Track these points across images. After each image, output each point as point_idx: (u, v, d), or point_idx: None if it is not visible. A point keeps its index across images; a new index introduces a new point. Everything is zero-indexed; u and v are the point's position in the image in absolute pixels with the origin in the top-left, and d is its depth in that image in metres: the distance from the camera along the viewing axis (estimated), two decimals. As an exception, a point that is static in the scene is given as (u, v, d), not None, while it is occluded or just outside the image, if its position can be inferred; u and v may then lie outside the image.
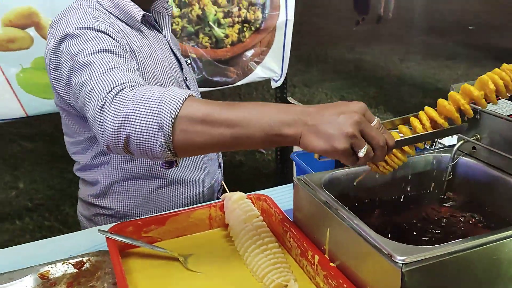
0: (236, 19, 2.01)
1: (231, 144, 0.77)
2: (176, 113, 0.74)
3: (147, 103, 0.75)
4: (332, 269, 0.83)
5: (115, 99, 0.79)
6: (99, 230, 0.98)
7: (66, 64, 1.00)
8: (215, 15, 1.97)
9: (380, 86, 5.44)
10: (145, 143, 0.75)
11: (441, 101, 0.83)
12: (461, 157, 1.04)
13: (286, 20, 2.08)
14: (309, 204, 0.94)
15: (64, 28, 1.03)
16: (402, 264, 0.69)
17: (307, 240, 0.92)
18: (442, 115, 0.81)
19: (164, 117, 0.74)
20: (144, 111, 0.75)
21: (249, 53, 2.09)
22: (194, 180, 1.31)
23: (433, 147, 1.21)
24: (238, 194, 1.06)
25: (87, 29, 1.01)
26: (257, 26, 2.06)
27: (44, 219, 2.98)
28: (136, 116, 0.75)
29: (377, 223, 0.92)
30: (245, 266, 0.95)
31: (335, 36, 8.10)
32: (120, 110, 0.77)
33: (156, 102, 0.75)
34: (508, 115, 0.95)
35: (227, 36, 2.03)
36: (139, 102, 0.76)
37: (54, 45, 1.05)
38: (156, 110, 0.74)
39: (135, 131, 0.75)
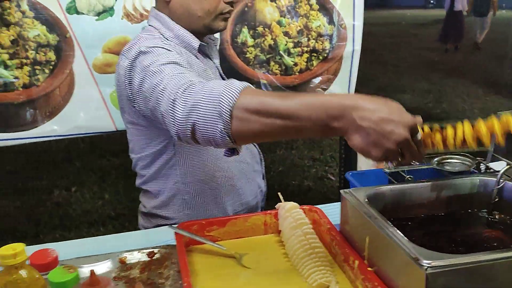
0: (305, 49, 2.16)
1: (285, 133, 0.86)
2: (234, 103, 0.84)
3: (210, 94, 0.87)
4: (370, 273, 0.92)
5: (184, 93, 0.91)
6: (169, 225, 1.14)
7: (139, 75, 1.14)
8: (286, 45, 2.13)
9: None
10: (207, 130, 0.87)
11: (480, 122, 0.89)
12: (507, 181, 1.08)
13: (353, 50, 2.20)
14: (353, 215, 1.03)
15: (137, 49, 1.18)
16: (427, 267, 0.76)
17: (350, 247, 1.01)
18: (475, 135, 0.87)
19: (223, 106, 0.84)
20: (207, 101, 0.86)
21: (316, 80, 2.22)
22: (243, 189, 1.44)
23: (480, 171, 1.25)
24: (291, 204, 1.18)
25: (157, 47, 1.18)
26: (325, 55, 2.19)
27: (123, 228, 3.25)
28: (201, 106, 0.87)
29: (415, 235, 0.98)
30: (292, 267, 1.06)
31: (404, 66, 8.04)
32: (188, 101, 0.89)
33: (217, 93, 0.86)
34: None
35: (296, 64, 2.18)
36: (204, 93, 0.88)
37: (129, 64, 1.19)
38: (217, 100, 0.85)
39: (199, 119, 0.87)
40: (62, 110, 1.96)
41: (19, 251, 0.66)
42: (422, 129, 0.83)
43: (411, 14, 22.30)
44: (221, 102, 0.85)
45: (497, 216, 1.10)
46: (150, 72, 1.08)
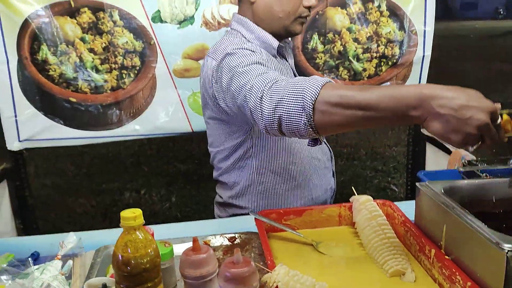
0: (374, 55, 2.20)
1: (364, 124, 0.93)
2: (316, 97, 0.91)
3: (294, 90, 0.95)
4: (447, 261, 0.94)
5: (270, 90, 1.00)
6: (250, 212, 1.22)
7: (226, 75, 1.23)
8: (355, 51, 2.18)
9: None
10: (292, 123, 0.94)
11: None
12: None
13: (423, 55, 2.20)
14: (429, 206, 1.06)
15: (224, 50, 1.28)
16: (508, 250, 0.79)
17: (425, 237, 1.04)
18: None
19: (306, 100, 0.92)
20: (292, 97, 0.94)
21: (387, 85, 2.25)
22: (314, 184, 1.49)
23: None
24: (365, 197, 1.22)
25: (241, 49, 1.27)
26: (394, 61, 2.21)
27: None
28: (286, 100, 0.95)
29: (493, 226, 0.99)
30: (366, 255, 1.10)
31: (473, 79, 7.76)
32: (274, 97, 0.98)
33: (300, 88, 0.94)
34: None
35: (364, 70, 2.22)
36: (288, 89, 0.96)
37: (216, 64, 1.30)
38: (300, 95, 0.93)
39: (285, 112, 0.95)
40: (144, 111, 2.13)
41: (137, 214, 0.76)
42: (501, 115, 0.86)
43: (479, 26, 21.47)
44: (304, 97, 0.92)
45: None
46: (238, 73, 1.17)
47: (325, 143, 1.55)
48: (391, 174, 4.42)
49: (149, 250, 0.77)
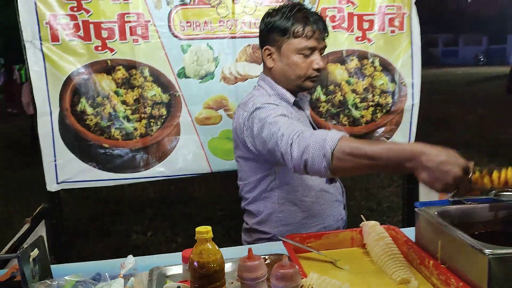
0: (370, 103, 2.52)
1: (370, 170, 1.22)
2: (334, 147, 1.20)
3: (317, 140, 1.24)
4: (443, 268, 1.19)
5: (298, 138, 1.29)
6: (279, 236, 1.47)
7: (257, 125, 1.52)
8: (353, 100, 2.50)
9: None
10: (315, 166, 1.24)
11: None
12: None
13: (413, 104, 2.53)
14: (426, 226, 1.32)
15: (254, 104, 1.58)
16: (489, 254, 1.04)
17: (424, 252, 1.29)
18: None
19: (326, 150, 1.21)
20: (315, 146, 1.24)
21: (380, 130, 2.55)
22: (326, 214, 1.75)
23: None
24: (373, 222, 1.48)
25: (268, 103, 1.56)
26: (388, 109, 2.53)
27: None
28: (311, 148, 1.24)
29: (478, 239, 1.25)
30: (378, 269, 1.34)
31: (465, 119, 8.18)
32: (301, 144, 1.27)
33: (322, 140, 1.23)
34: None
35: (362, 117, 2.53)
36: (312, 139, 1.25)
37: (248, 115, 1.58)
38: (322, 145, 1.22)
39: (310, 157, 1.24)
40: (169, 155, 2.39)
41: (208, 229, 1.01)
42: (474, 171, 1.15)
43: (460, 72, 22.42)
44: (325, 146, 1.22)
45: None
46: (268, 123, 1.47)
47: (338, 180, 1.83)
48: (385, 213, 4.67)
49: (218, 257, 1.01)
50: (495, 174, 1.19)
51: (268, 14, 1.68)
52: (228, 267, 1.38)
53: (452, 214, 1.36)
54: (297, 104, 1.74)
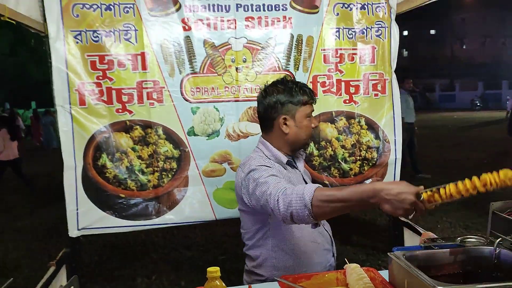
0: (358, 158, 2.83)
1: (343, 210, 1.50)
2: (312, 198, 1.49)
3: (297, 195, 1.53)
4: (408, 303, 1.45)
5: (282, 195, 1.58)
6: (274, 276, 1.73)
7: (252, 184, 1.81)
8: (343, 155, 2.82)
9: None
10: (299, 216, 1.52)
11: (466, 181, 1.45)
12: (501, 249, 1.61)
13: (395, 158, 2.85)
14: (396, 267, 1.59)
15: (249, 166, 1.87)
16: (440, 290, 1.31)
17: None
18: (460, 191, 1.43)
19: (306, 201, 1.49)
20: (297, 199, 1.52)
21: (368, 182, 2.85)
22: (314, 262, 2.00)
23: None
24: (355, 265, 1.74)
25: (262, 165, 1.86)
26: (374, 162, 2.85)
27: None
28: (294, 202, 1.53)
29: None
30: (358, 304, 1.60)
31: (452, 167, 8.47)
32: (286, 200, 1.56)
33: (301, 193, 1.52)
34: (527, 221, 1.53)
35: (351, 169, 2.84)
36: (293, 195, 1.54)
37: (244, 175, 1.88)
38: (302, 198, 1.51)
39: (294, 210, 1.52)
40: (178, 204, 2.68)
41: (217, 269, 1.29)
42: (427, 191, 1.43)
43: (457, 117, 22.94)
44: (304, 198, 1.52)
45: (497, 273, 1.61)
46: (260, 183, 1.76)
47: (327, 231, 2.10)
48: (376, 256, 4.87)
49: (224, 292, 1.28)
50: (441, 191, 1.45)
51: (273, 90, 1.98)
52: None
53: (418, 258, 1.63)
54: (290, 164, 2.05)
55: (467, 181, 1.40)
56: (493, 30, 38.47)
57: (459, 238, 1.85)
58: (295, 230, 1.97)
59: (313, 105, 2.00)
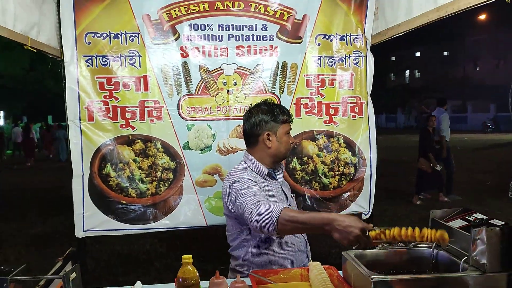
0: (337, 173, 3.12)
1: (303, 231, 1.83)
2: (278, 216, 1.77)
3: (267, 211, 1.81)
4: (353, 292, 1.73)
5: (255, 208, 1.87)
6: (248, 272, 2.01)
7: (234, 194, 2.11)
8: (323, 170, 3.11)
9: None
10: (267, 229, 1.80)
11: (407, 230, 1.72)
12: (439, 250, 1.88)
13: (371, 173, 3.13)
14: (348, 264, 1.87)
15: (233, 178, 2.18)
16: (372, 279, 1.58)
17: (346, 283, 1.83)
18: (404, 236, 1.70)
19: (273, 218, 1.78)
20: (266, 215, 1.80)
21: (346, 195, 3.13)
22: (289, 262, 2.27)
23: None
24: (316, 263, 2.02)
25: (243, 178, 2.15)
26: (351, 177, 3.13)
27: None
28: (263, 216, 1.81)
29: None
30: (314, 294, 1.88)
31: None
32: (257, 214, 1.84)
33: (270, 211, 1.80)
34: (459, 227, 1.81)
35: (330, 183, 3.12)
36: (264, 211, 1.82)
37: (229, 185, 2.18)
38: (270, 215, 1.79)
39: (263, 223, 1.81)
40: (173, 210, 2.98)
41: (190, 257, 1.58)
42: (375, 229, 1.70)
43: (468, 138, 22.95)
44: (272, 215, 1.80)
45: (434, 271, 1.88)
46: (240, 194, 2.06)
47: (303, 235, 2.37)
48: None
49: (195, 275, 1.58)
50: (387, 232, 1.72)
51: (262, 111, 2.28)
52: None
53: (367, 257, 1.92)
54: (270, 175, 2.35)
55: (410, 229, 1.66)
56: (506, 52, 38.51)
57: (412, 244, 2.13)
58: None
59: (291, 124, 2.31)
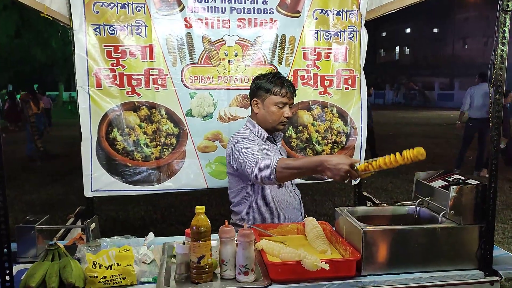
0: (330, 141, 3.33)
1: (299, 176, 2.13)
2: (276, 166, 1.98)
3: (265, 163, 2.02)
4: (344, 242, 1.95)
5: (255, 163, 2.07)
6: (251, 226, 2.23)
7: (237, 153, 2.31)
8: (317, 138, 3.32)
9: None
10: (267, 179, 2.01)
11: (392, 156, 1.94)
12: (420, 207, 2.12)
13: (361, 142, 3.35)
14: (341, 219, 2.09)
15: (237, 139, 2.38)
16: (363, 229, 1.81)
17: (338, 235, 2.06)
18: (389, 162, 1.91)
19: (272, 168, 1.99)
20: (265, 166, 2.01)
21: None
22: (285, 218, 2.50)
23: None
24: (311, 218, 2.24)
25: (246, 138, 2.35)
26: (343, 145, 3.35)
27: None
28: (263, 169, 2.02)
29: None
30: (309, 246, 2.10)
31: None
32: (257, 167, 2.05)
33: (268, 162, 2.01)
34: (439, 186, 2.03)
35: (323, 151, 3.33)
36: (263, 163, 2.03)
37: (232, 145, 2.38)
38: (269, 165, 2.00)
39: (263, 174, 2.02)
40: (176, 173, 3.18)
41: (203, 207, 1.78)
42: (363, 163, 1.90)
43: (454, 116, 23.33)
44: (270, 166, 2.01)
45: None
46: (242, 152, 2.27)
47: (296, 194, 2.59)
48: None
49: (207, 223, 1.78)
50: (374, 163, 1.89)
51: (257, 77, 2.50)
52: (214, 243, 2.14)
53: (358, 212, 2.15)
54: (270, 139, 2.54)
55: (392, 156, 1.85)
56: (495, 31, 38.62)
57: (398, 203, 2.36)
58: (271, 191, 2.47)
59: (289, 99, 2.44)
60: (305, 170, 1.98)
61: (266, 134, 2.48)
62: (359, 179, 3.36)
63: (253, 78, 2.54)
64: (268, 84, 2.41)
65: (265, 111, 2.43)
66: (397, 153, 1.82)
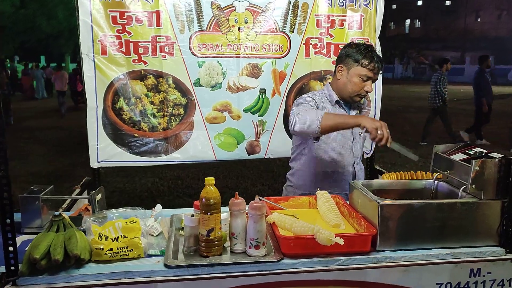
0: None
1: (338, 129, 2.10)
2: (321, 117, 2.02)
3: (312, 114, 2.07)
4: (359, 217, 1.88)
5: (301, 113, 2.15)
6: (261, 198, 2.16)
7: (294, 106, 2.32)
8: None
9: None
10: (312, 128, 2.05)
11: None
12: (439, 181, 2.03)
13: (375, 114, 3.24)
14: (355, 192, 2.01)
15: (298, 100, 2.38)
16: (379, 203, 1.73)
17: (352, 208, 1.98)
18: None
19: (318, 118, 2.03)
20: (312, 116, 2.07)
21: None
22: (335, 179, 2.49)
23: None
24: (324, 192, 2.17)
25: (308, 96, 2.39)
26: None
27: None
28: (309, 118, 2.09)
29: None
30: (322, 220, 2.04)
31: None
32: (303, 117, 2.12)
33: (315, 114, 2.07)
34: (460, 159, 1.94)
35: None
36: (310, 114, 2.10)
37: (293, 104, 2.38)
38: (315, 116, 2.05)
39: (308, 122, 2.08)
40: (184, 145, 3.10)
41: (212, 179, 1.71)
42: None
43: (464, 90, 22.97)
44: (317, 117, 2.06)
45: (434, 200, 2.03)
46: (297, 104, 2.34)
47: (354, 166, 2.53)
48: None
49: (217, 195, 1.71)
50: None
51: (349, 45, 2.43)
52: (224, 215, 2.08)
53: (372, 185, 2.06)
54: (339, 104, 2.47)
55: None
56: (509, 3, 37.76)
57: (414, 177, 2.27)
58: (322, 154, 2.46)
59: (375, 74, 2.35)
60: (345, 125, 2.11)
61: (335, 98, 2.45)
62: (372, 151, 3.28)
63: (345, 44, 2.45)
64: (358, 55, 2.35)
65: (348, 79, 2.39)
66: None
